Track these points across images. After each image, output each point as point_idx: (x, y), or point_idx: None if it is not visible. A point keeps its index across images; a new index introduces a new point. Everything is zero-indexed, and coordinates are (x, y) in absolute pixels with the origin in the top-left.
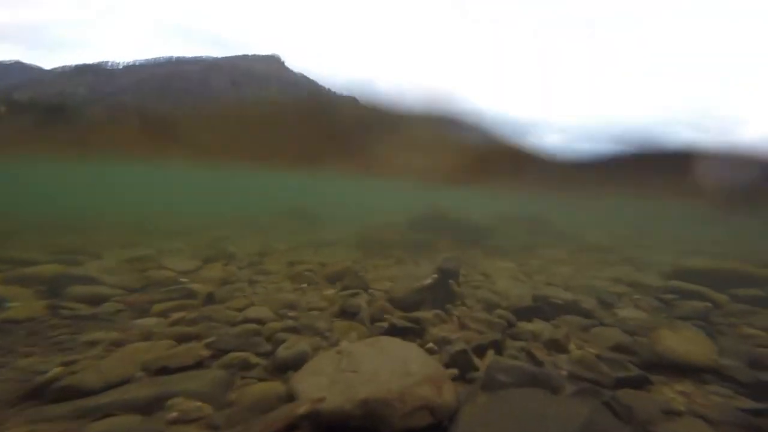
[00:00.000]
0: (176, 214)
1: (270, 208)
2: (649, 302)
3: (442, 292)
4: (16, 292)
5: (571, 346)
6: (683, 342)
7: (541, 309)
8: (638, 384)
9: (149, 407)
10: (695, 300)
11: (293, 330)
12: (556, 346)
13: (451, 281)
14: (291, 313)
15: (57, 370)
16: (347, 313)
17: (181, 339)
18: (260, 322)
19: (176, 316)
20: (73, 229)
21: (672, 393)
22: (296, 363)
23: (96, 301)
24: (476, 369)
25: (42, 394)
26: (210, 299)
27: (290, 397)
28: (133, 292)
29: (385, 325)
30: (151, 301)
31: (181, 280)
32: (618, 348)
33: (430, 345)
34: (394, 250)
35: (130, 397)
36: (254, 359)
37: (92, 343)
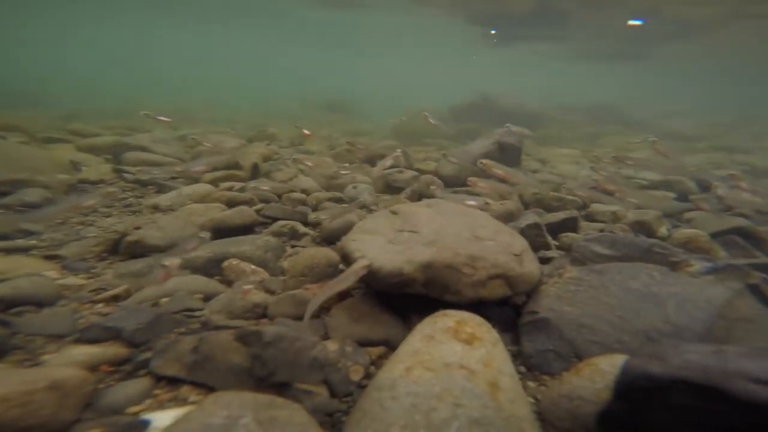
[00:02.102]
0: (218, 104)
1: (307, 100)
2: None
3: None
4: (87, 158)
5: (662, 230)
6: None
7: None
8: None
9: (209, 267)
10: None
11: (339, 201)
12: (645, 228)
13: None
14: (335, 186)
15: (129, 229)
16: (393, 188)
17: (232, 204)
18: (306, 192)
19: (226, 185)
20: (125, 113)
21: None
22: (344, 233)
23: (152, 168)
24: (549, 248)
25: (120, 249)
26: (256, 171)
27: (344, 258)
28: (183, 162)
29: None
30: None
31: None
32: (732, 232)
33: None
34: (434, 139)
35: (192, 256)
36: (302, 228)
37: (155, 207)
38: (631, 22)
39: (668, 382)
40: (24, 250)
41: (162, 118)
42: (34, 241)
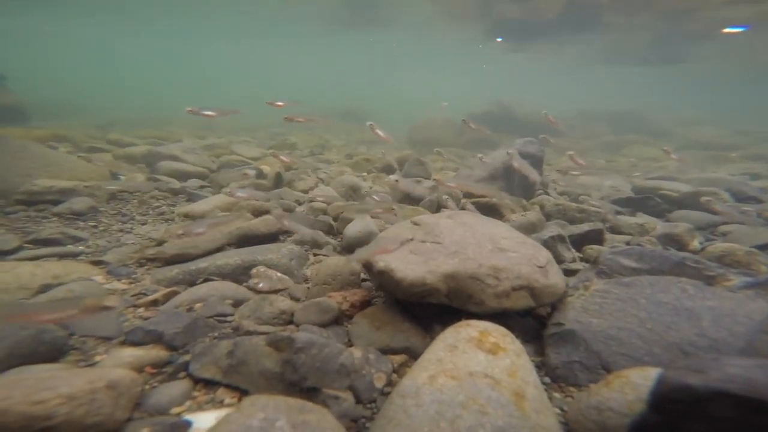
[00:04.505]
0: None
1: (323, 109)
2: None
3: (519, 177)
4: (124, 167)
5: (695, 243)
6: None
7: (648, 202)
8: None
9: (237, 274)
10: None
11: (359, 211)
12: (675, 241)
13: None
14: (355, 195)
15: (164, 236)
16: (411, 198)
17: (257, 214)
18: (326, 202)
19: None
20: (156, 123)
21: None
22: (365, 242)
23: (182, 176)
24: (573, 260)
25: (156, 257)
26: (279, 180)
27: (366, 267)
28: (211, 172)
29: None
30: (227, 179)
31: (250, 163)
32: None
33: None
34: (450, 147)
35: (222, 263)
36: (323, 238)
37: (186, 215)
38: (728, 30)
39: (709, 394)
40: (74, 256)
41: (380, 133)
42: (81, 247)
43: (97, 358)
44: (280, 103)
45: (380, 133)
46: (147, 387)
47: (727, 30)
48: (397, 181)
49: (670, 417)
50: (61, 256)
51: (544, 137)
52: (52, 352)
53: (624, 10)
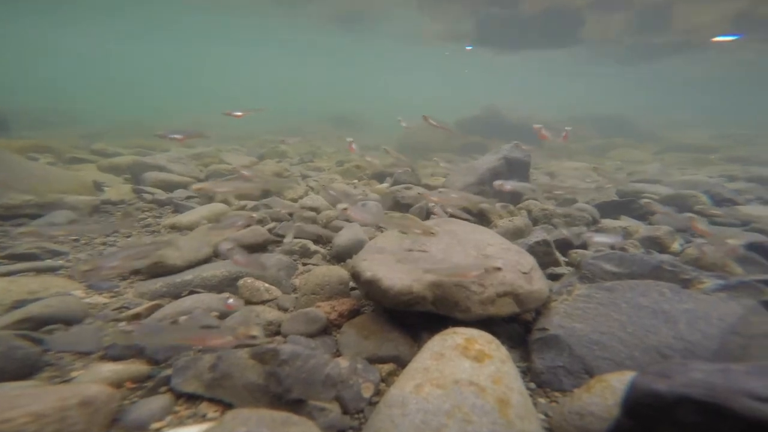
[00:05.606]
0: (229, 121)
1: (314, 115)
2: None
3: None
4: (109, 178)
5: (675, 246)
6: None
7: (632, 205)
8: None
9: (224, 286)
10: None
11: (348, 219)
12: (657, 244)
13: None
14: (345, 204)
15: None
16: (401, 205)
17: (246, 224)
18: (316, 210)
19: (239, 203)
20: (144, 130)
21: None
22: (354, 251)
23: (169, 187)
24: (558, 265)
25: (141, 269)
26: (266, 190)
27: (354, 277)
28: (198, 181)
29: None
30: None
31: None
32: (747, 248)
33: None
34: (441, 153)
35: (208, 275)
36: (313, 247)
37: (172, 226)
38: (719, 38)
39: (674, 399)
40: (52, 270)
41: (355, 148)
42: (61, 261)
43: (74, 373)
44: (238, 113)
45: (355, 147)
46: (126, 402)
47: (717, 39)
48: (345, 209)
49: (641, 422)
50: (39, 271)
51: (516, 143)
52: (23, 369)
53: (602, 10)
